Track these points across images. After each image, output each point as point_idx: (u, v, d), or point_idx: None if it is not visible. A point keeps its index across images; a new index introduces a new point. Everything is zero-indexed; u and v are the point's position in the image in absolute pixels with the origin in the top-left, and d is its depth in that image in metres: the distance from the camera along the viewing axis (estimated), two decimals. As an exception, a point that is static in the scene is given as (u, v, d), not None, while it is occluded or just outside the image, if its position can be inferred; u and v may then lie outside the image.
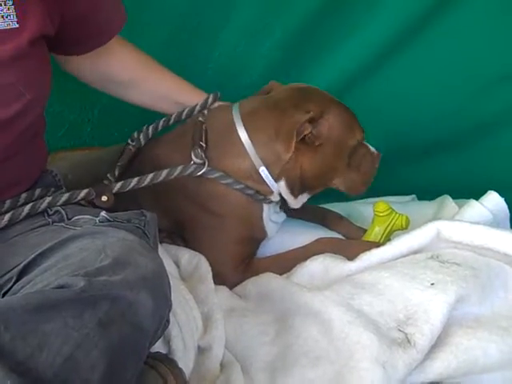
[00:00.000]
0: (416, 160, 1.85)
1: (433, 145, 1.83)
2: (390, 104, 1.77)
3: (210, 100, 1.42)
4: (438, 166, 1.84)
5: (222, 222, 1.35)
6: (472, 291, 1.14)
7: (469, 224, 1.26)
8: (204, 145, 1.32)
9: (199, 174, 1.29)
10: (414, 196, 1.80)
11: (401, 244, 1.26)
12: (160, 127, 1.43)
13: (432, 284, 1.13)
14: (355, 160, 1.37)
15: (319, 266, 1.29)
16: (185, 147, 1.33)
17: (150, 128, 1.42)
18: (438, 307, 1.09)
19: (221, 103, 1.44)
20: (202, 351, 1.11)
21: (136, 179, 1.25)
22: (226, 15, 1.64)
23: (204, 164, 1.30)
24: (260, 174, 1.31)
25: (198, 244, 1.37)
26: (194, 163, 1.30)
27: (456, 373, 1.06)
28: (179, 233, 1.42)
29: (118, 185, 1.23)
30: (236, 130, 1.32)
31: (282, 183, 1.33)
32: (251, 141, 1.31)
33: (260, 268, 1.35)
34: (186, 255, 1.34)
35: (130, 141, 1.40)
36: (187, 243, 1.40)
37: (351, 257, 1.30)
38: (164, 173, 1.27)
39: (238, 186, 1.32)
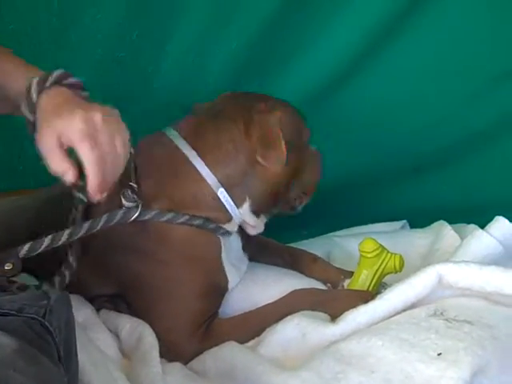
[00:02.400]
0: (405, 179, 1.66)
1: (422, 160, 1.63)
2: (369, 116, 1.58)
3: (34, 91, 0.88)
4: (429, 184, 1.65)
5: (171, 270, 1.11)
6: (492, 358, 0.88)
7: (478, 265, 1.02)
8: (135, 185, 1.07)
9: (133, 218, 1.05)
10: (405, 221, 1.60)
11: (395, 297, 1.02)
12: None
13: (439, 354, 0.87)
14: (305, 161, 1.21)
15: (294, 332, 1.03)
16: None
17: None
18: (450, 387, 0.82)
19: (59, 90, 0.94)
20: None
21: (49, 237, 0.97)
22: (169, 25, 1.42)
23: (137, 206, 1.06)
24: (217, 200, 1.12)
25: (144, 307, 1.12)
26: (125, 207, 1.06)
27: None
28: (123, 296, 1.16)
29: (26, 247, 0.95)
30: (182, 156, 1.12)
31: (246, 205, 1.15)
32: (205, 163, 1.11)
33: (222, 333, 1.09)
34: (127, 325, 1.08)
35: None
36: (132, 308, 1.14)
37: (334, 314, 1.07)
38: (86, 226, 1.00)
39: (182, 219, 1.10)
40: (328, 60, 1.49)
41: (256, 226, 1.19)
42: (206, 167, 1.11)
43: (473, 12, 1.46)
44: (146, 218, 1.07)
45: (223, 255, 1.15)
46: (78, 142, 0.82)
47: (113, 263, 1.13)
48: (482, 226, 1.25)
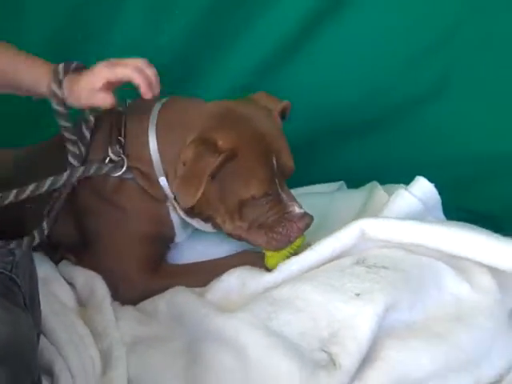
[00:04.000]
0: (342, 143, 1.76)
1: (358, 125, 1.73)
2: (311, 86, 1.67)
3: (61, 72, 1.15)
4: (364, 147, 1.75)
5: (125, 215, 1.24)
6: (402, 297, 1.03)
7: (395, 220, 1.16)
8: (123, 140, 1.21)
9: (118, 174, 1.20)
10: (342, 182, 1.70)
11: (322, 249, 1.14)
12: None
13: (357, 294, 1.01)
14: (251, 212, 1.17)
15: (236, 281, 1.16)
16: (104, 141, 1.23)
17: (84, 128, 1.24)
18: (365, 321, 0.97)
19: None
20: (100, 396, 0.97)
21: (33, 185, 1.12)
22: (111, 18, 1.53)
23: (122, 162, 1.20)
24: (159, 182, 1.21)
25: (100, 246, 1.25)
26: (111, 160, 1.20)
27: (388, 390, 0.95)
28: (83, 241, 1.28)
29: (13, 193, 1.07)
30: (147, 135, 1.21)
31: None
32: (159, 152, 1.20)
33: (172, 275, 1.23)
34: (81, 278, 1.21)
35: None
36: (90, 251, 1.26)
37: (271, 267, 1.18)
38: (80, 170, 1.16)
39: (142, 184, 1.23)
40: (273, 36, 1.58)
41: (196, 224, 1.25)
42: (159, 158, 1.20)
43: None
44: (125, 176, 1.20)
45: (172, 213, 1.26)
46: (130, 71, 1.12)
47: (80, 207, 1.25)
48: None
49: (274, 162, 1.15)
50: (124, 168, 1.20)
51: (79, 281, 1.20)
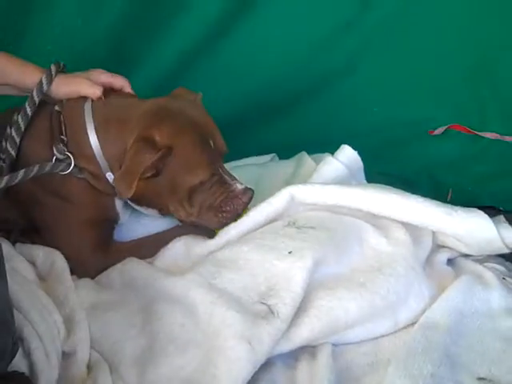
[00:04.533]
0: (270, 118, 1.88)
1: (283, 101, 1.86)
2: (240, 66, 1.79)
3: (54, 72, 1.32)
4: (292, 121, 1.88)
5: (72, 206, 1.33)
6: (329, 252, 1.17)
7: (320, 185, 1.29)
8: (65, 138, 1.29)
9: (64, 172, 1.28)
10: (274, 154, 1.82)
11: (257, 214, 1.27)
12: (22, 125, 1.30)
13: (290, 252, 1.15)
14: (199, 197, 1.28)
15: (181, 248, 1.28)
16: (44, 142, 1.30)
17: (13, 132, 1.30)
18: (297, 274, 1.11)
19: (62, 78, 1.34)
20: (66, 356, 1.08)
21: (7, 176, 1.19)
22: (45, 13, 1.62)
23: (69, 160, 1.28)
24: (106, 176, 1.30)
25: (52, 233, 1.34)
26: (58, 159, 1.27)
27: (321, 334, 1.10)
28: (35, 228, 1.37)
29: None
30: (87, 133, 1.29)
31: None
32: (101, 149, 1.28)
33: (122, 251, 1.33)
34: (41, 254, 1.30)
35: None
36: (43, 236, 1.35)
37: (211, 235, 1.30)
38: (21, 173, 1.22)
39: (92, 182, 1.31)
40: (196, 28, 1.70)
41: (144, 211, 1.35)
42: (102, 155, 1.27)
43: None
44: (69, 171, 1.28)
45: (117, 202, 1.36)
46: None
47: (23, 192, 1.32)
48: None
49: (212, 144, 1.26)
50: (72, 166, 1.27)
51: (39, 256, 1.29)
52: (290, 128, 1.87)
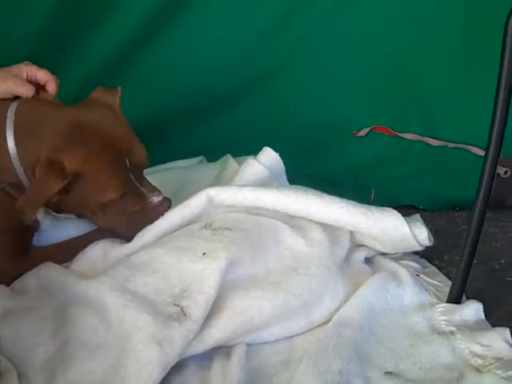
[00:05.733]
0: (202, 119, 1.87)
1: (215, 102, 1.85)
2: (169, 66, 1.78)
3: None
4: (219, 123, 1.87)
5: None
6: (244, 253, 1.18)
7: (237, 187, 1.31)
8: None
9: None
10: (202, 157, 1.82)
11: (173, 216, 1.27)
12: None
13: (204, 254, 1.16)
14: (112, 209, 1.27)
15: (99, 251, 1.28)
16: None
17: None
18: (210, 275, 1.12)
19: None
20: (-26, 363, 1.06)
21: None
22: None
23: None
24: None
25: None
26: None
27: (235, 334, 1.11)
28: None
29: None
30: (6, 142, 1.25)
31: None
32: (19, 160, 1.25)
33: (40, 257, 1.30)
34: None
35: None
36: None
37: (129, 238, 1.30)
38: None
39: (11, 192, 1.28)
40: (134, 18, 1.68)
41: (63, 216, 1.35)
42: (20, 165, 1.24)
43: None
44: None
45: None
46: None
47: None
48: None
49: (127, 162, 1.25)
50: None
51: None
52: (219, 130, 1.86)
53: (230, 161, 1.64)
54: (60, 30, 1.67)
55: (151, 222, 1.28)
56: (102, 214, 1.28)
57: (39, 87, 1.33)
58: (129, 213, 1.27)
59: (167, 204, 1.30)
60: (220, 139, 1.85)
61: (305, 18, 1.76)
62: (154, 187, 1.31)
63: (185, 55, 1.77)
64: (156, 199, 1.29)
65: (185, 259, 1.16)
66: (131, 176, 1.25)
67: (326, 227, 1.30)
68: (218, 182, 1.56)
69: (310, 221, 1.31)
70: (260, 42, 1.78)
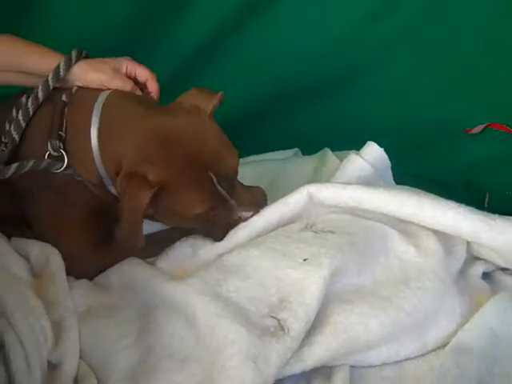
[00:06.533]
0: (297, 110, 1.77)
1: (311, 93, 1.74)
2: (264, 55, 1.68)
3: (74, 58, 1.19)
4: (317, 114, 1.76)
5: (68, 201, 1.21)
6: (349, 261, 1.05)
7: (341, 185, 1.17)
8: (64, 135, 1.16)
9: (57, 171, 1.15)
10: (296, 149, 1.71)
11: (270, 214, 1.15)
12: (30, 110, 1.19)
13: (305, 259, 1.03)
14: (198, 220, 1.15)
15: (188, 249, 1.17)
16: (43, 134, 1.17)
17: (20, 115, 1.18)
18: (313, 285, 0.99)
19: (90, 63, 1.22)
20: (52, 367, 0.97)
21: None
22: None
23: (63, 158, 1.15)
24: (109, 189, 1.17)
25: (46, 230, 1.23)
26: (51, 156, 1.15)
27: (338, 354, 0.98)
28: (28, 221, 1.27)
29: None
30: (89, 135, 1.14)
31: None
32: (101, 158, 1.14)
33: (123, 250, 1.21)
34: (36, 249, 1.19)
35: None
36: (36, 232, 1.25)
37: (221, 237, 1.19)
38: (13, 167, 1.12)
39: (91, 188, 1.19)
40: (215, 13, 1.58)
41: None
42: (102, 165, 1.13)
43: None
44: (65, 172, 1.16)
45: None
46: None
47: (23, 190, 1.22)
48: None
49: (213, 176, 1.11)
50: (64, 165, 1.15)
51: (34, 252, 1.19)
52: (315, 122, 1.75)
53: (329, 155, 1.52)
54: (140, 26, 1.60)
55: None
56: (187, 224, 1.18)
57: (139, 86, 1.24)
58: (216, 224, 1.17)
59: None
60: (316, 131, 1.73)
61: (408, 4, 1.61)
62: (248, 194, 1.17)
63: (281, 42, 1.66)
64: (246, 214, 1.16)
65: (283, 264, 1.03)
66: (219, 188, 1.12)
67: (440, 235, 1.14)
68: (316, 177, 1.45)
69: (422, 227, 1.15)
70: (361, 30, 1.65)
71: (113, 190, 1.15)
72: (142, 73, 1.24)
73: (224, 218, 1.15)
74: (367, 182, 1.26)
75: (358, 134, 1.63)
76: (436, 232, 1.14)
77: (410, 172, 1.48)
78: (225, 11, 1.61)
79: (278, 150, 1.70)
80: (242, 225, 1.15)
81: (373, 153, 1.33)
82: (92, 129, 1.13)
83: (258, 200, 1.17)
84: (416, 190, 1.20)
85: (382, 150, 1.34)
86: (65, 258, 1.18)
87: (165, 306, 1.03)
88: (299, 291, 0.99)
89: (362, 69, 1.70)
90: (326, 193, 1.15)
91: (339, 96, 1.72)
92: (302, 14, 1.62)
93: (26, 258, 1.20)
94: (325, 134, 1.71)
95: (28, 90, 1.22)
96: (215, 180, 1.10)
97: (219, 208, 1.13)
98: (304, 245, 1.06)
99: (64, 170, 1.15)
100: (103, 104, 1.16)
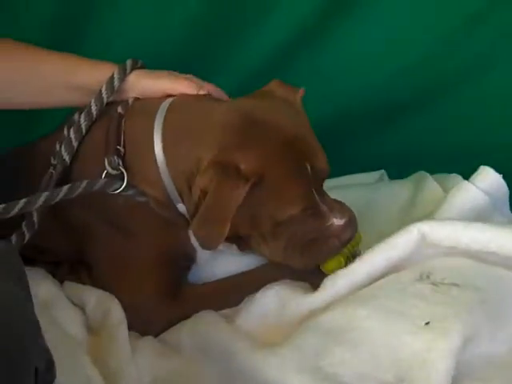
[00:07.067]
0: (378, 128, 1.57)
1: (394, 107, 1.55)
2: (345, 67, 1.50)
3: (128, 67, 1.06)
4: (405, 131, 1.55)
5: (132, 237, 1.04)
6: (481, 324, 0.83)
7: (462, 224, 0.96)
8: (122, 150, 1.00)
9: (116, 192, 0.99)
10: (383, 172, 1.50)
11: (375, 259, 0.95)
12: (83, 126, 1.04)
13: (427, 323, 0.82)
14: (286, 232, 0.97)
15: (273, 300, 0.97)
16: (99, 151, 1.02)
17: (72, 133, 1.04)
18: (439, 360, 0.77)
19: (147, 71, 1.09)
20: None
21: (24, 200, 0.93)
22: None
23: (122, 177, 0.99)
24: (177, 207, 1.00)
25: (107, 274, 1.06)
26: (108, 174, 0.99)
27: None
28: (85, 263, 1.09)
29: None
30: (153, 146, 0.99)
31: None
32: (167, 167, 0.98)
33: (196, 299, 1.03)
34: (93, 298, 1.02)
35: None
36: (94, 276, 1.08)
37: (315, 283, 0.99)
38: (64, 189, 0.96)
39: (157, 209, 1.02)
40: (291, 21, 1.41)
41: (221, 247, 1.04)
42: (169, 178, 0.98)
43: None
44: (125, 193, 1.00)
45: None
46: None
47: (73, 219, 1.06)
48: (462, 174, 1.19)
49: (309, 168, 0.95)
50: (124, 183, 0.99)
51: (90, 302, 1.02)
52: (404, 140, 1.54)
53: (427, 179, 1.29)
54: (213, 31, 1.45)
55: (332, 252, 0.99)
56: (272, 239, 0.98)
57: None
58: (304, 240, 0.98)
59: (351, 231, 0.99)
60: (405, 150, 1.55)
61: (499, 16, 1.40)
62: (337, 203, 1.01)
63: (359, 55, 1.48)
64: (338, 222, 0.98)
65: (398, 329, 0.82)
66: (312, 187, 0.96)
67: None
68: (413, 208, 1.24)
69: None
70: (453, 42, 1.45)
71: (181, 207, 1.00)
72: (210, 88, 1.07)
73: (313, 226, 0.97)
74: (482, 215, 1.06)
75: (454, 154, 1.49)
76: None
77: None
78: (300, 20, 1.44)
79: (359, 171, 1.50)
80: (342, 272, 0.95)
81: (488, 179, 1.12)
82: (155, 136, 0.98)
83: (348, 210, 1.01)
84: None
85: (499, 176, 1.13)
86: (127, 310, 1.00)
87: (247, 379, 0.83)
88: (421, 366, 0.78)
89: (454, 82, 1.50)
90: (442, 232, 0.95)
91: (433, 110, 1.52)
92: (384, 28, 1.44)
93: (82, 308, 1.03)
94: (415, 153, 1.53)
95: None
96: (310, 175, 0.95)
97: (310, 211, 0.96)
98: (422, 302, 0.85)
99: (124, 190, 0.99)
100: (167, 109, 1.01)
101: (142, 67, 1.09)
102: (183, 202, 0.98)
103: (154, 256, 1.03)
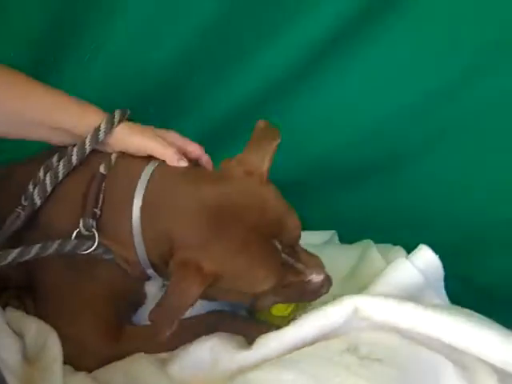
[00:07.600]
0: (336, 188, 1.60)
1: (356, 171, 1.57)
2: (309, 124, 1.52)
3: (116, 120, 1.05)
4: (360, 196, 1.59)
5: (87, 272, 1.06)
6: (397, 401, 0.88)
7: (396, 302, 1.01)
8: (99, 212, 1.02)
9: (85, 252, 1.01)
10: (334, 232, 1.57)
11: (307, 326, 0.99)
12: (61, 174, 1.05)
13: (346, 394, 0.86)
14: (265, 300, 1.05)
15: (206, 355, 1.01)
16: (74, 207, 1.04)
17: (48, 178, 1.05)
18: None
19: (134, 127, 1.09)
20: None
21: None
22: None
23: (93, 237, 1.01)
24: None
25: (51, 303, 1.08)
26: (80, 233, 1.01)
27: None
28: (31, 291, 1.11)
29: None
30: (131, 215, 1.00)
31: None
32: (143, 239, 1.01)
33: (136, 338, 1.07)
34: (33, 329, 1.03)
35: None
36: (38, 305, 1.10)
37: (250, 336, 1.04)
38: (36, 248, 0.98)
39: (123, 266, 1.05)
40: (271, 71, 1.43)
41: None
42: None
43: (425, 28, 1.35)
44: (94, 252, 1.02)
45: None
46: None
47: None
48: (408, 244, 1.23)
49: (277, 243, 0.99)
50: (94, 246, 1.01)
51: (30, 332, 1.04)
52: (358, 203, 1.58)
53: (372, 249, 1.34)
54: (207, 58, 1.44)
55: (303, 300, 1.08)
56: (252, 302, 1.05)
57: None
58: (286, 296, 1.05)
59: (327, 286, 1.05)
60: (357, 215, 1.58)
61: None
62: (313, 259, 1.06)
63: (330, 112, 1.49)
64: (316, 278, 1.04)
65: (320, 396, 0.86)
66: (283, 256, 1.00)
67: (501, 374, 0.97)
68: (354, 277, 1.29)
69: (481, 360, 0.98)
70: (418, 112, 1.45)
71: (152, 273, 1.03)
72: (194, 149, 1.10)
73: (291, 285, 1.02)
74: (415, 294, 1.11)
75: (403, 224, 1.52)
76: (497, 370, 0.97)
77: (456, 274, 1.26)
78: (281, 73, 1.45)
79: (311, 228, 1.50)
80: (274, 335, 0.99)
81: (425, 259, 1.16)
82: (135, 200, 1.00)
83: (321, 263, 1.06)
84: (479, 315, 1.04)
85: (436, 257, 1.17)
86: (64, 340, 1.02)
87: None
88: None
89: (417, 152, 1.51)
90: (375, 308, 1.00)
91: (388, 180, 1.54)
92: (360, 88, 1.45)
93: (20, 336, 1.05)
94: (366, 217, 1.56)
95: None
96: (280, 248, 0.99)
97: (287, 277, 1.01)
98: (346, 373, 0.90)
99: (93, 250, 1.02)
100: (150, 176, 1.02)
101: (129, 119, 1.09)
102: (154, 269, 1.02)
103: (102, 293, 1.06)
